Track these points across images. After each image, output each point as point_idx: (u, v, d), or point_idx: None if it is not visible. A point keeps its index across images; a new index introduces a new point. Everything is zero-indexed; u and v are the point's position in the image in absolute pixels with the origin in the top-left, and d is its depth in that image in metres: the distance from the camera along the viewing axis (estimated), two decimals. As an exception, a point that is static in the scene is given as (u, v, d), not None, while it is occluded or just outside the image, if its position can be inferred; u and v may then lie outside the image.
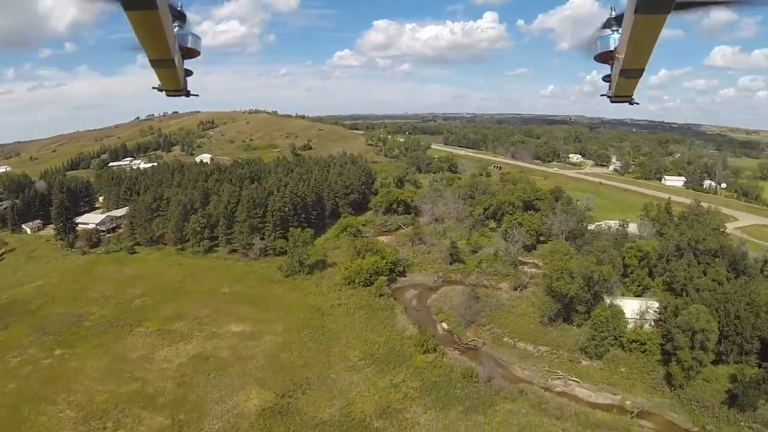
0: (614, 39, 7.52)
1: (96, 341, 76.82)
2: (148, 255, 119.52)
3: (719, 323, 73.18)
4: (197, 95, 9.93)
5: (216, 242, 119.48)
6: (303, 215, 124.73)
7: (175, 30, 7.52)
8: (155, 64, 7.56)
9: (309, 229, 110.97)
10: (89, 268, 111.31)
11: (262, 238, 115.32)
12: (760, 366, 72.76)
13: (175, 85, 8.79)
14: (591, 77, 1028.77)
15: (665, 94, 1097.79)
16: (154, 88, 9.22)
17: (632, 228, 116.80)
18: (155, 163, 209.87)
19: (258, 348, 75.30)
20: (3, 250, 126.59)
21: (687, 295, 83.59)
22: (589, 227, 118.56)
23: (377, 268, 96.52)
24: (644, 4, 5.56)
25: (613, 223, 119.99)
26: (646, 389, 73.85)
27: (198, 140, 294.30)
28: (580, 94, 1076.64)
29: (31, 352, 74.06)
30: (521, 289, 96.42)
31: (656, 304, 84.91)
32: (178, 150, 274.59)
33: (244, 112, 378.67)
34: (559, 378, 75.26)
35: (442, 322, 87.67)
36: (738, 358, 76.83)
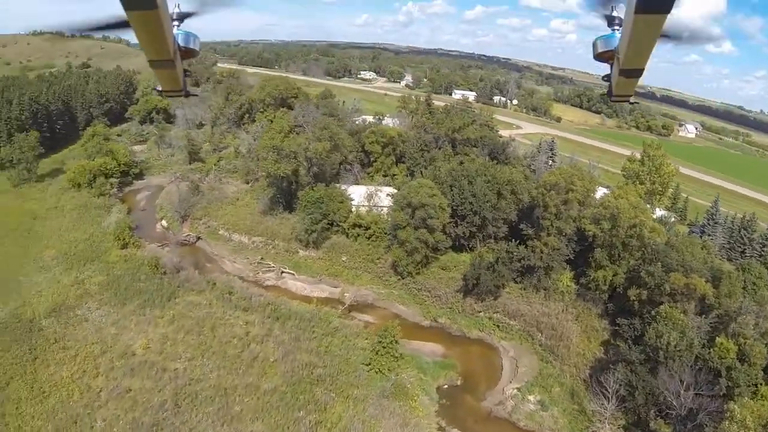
0: (615, 38, 7.37)
1: None
2: None
3: (453, 202, 65.58)
4: (196, 95, 8.69)
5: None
6: (46, 124, 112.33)
7: (175, 30, 7.03)
8: (155, 65, 7.00)
9: (35, 132, 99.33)
10: None
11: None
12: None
13: (174, 85, 8.15)
14: (407, 8, 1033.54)
15: (479, 29, 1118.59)
16: (154, 89, 9.16)
17: (387, 121, 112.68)
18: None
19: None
20: None
21: (422, 176, 74.13)
22: (354, 120, 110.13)
23: (106, 169, 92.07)
24: (644, 4, 5.40)
25: (369, 117, 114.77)
26: (371, 279, 67.17)
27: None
28: (395, 24, 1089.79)
29: None
30: (253, 183, 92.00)
31: (389, 189, 76.43)
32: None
33: (26, 35, 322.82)
34: (271, 270, 69.56)
35: (161, 219, 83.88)
36: (485, 243, 68.39)
